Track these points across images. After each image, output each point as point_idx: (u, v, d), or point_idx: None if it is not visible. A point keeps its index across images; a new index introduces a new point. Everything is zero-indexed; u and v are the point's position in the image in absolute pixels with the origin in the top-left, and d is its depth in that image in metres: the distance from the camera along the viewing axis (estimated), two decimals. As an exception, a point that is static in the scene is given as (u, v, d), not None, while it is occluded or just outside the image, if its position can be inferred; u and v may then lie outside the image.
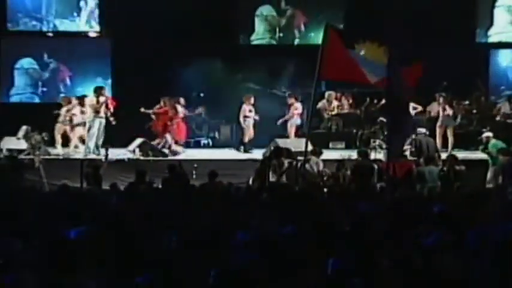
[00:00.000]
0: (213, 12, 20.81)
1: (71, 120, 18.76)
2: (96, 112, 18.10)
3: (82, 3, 22.14)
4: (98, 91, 18.44)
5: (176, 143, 19.07)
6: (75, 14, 22.22)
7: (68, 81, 22.40)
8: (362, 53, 11.83)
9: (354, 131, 19.90)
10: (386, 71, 10.99)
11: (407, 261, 5.93)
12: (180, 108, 19.32)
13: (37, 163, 16.12)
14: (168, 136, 18.86)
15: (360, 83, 14.25)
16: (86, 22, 22.26)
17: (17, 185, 13.82)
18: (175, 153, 18.52)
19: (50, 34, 22.21)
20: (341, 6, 21.58)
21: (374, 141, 18.14)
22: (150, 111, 19.30)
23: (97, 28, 22.23)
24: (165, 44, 20.56)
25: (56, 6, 22.19)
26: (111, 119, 18.37)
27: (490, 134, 16.67)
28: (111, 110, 18.56)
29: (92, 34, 22.22)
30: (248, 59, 20.74)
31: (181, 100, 19.54)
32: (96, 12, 22.17)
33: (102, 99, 18.23)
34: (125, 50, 21.14)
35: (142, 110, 19.36)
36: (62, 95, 21.51)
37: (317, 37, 21.39)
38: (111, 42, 21.89)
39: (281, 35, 22.37)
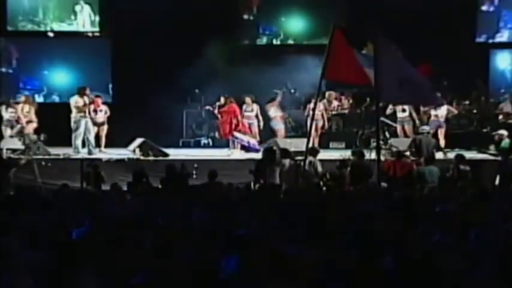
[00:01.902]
0: (213, 11, 20.78)
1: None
2: (81, 112, 18.15)
3: (77, 8, 22.06)
4: (82, 91, 18.47)
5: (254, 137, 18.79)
6: (72, 17, 22.15)
7: (14, 63, 22.32)
8: (368, 52, 11.83)
9: (355, 130, 19.90)
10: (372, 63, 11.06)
11: (409, 260, 5.93)
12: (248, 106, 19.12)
13: (23, 161, 16.15)
14: (238, 135, 18.70)
15: (363, 85, 14.21)
16: (83, 26, 22.19)
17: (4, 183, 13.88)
18: (256, 150, 18.36)
19: (51, 34, 22.17)
20: (341, 7, 21.56)
21: (374, 141, 18.11)
22: (216, 110, 19.11)
23: (96, 30, 22.20)
24: (165, 44, 20.53)
25: (53, 10, 22.12)
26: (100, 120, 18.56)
27: (504, 132, 16.49)
28: (99, 109, 18.71)
29: (91, 34, 22.19)
30: (249, 58, 20.70)
31: (247, 99, 19.31)
32: (93, 16, 22.13)
33: (86, 99, 18.28)
34: (125, 50, 21.11)
35: (207, 107, 19.28)
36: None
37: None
38: (111, 42, 21.85)
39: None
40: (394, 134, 19.17)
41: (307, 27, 22.06)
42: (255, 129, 19.16)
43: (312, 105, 19.40)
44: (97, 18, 22.10)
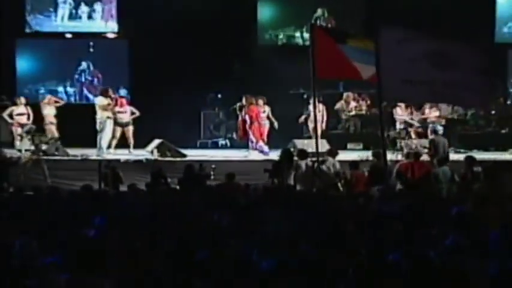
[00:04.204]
0: (231, 11, 20.80)
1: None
2: (106, 112, 18.22)
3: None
4: (105, 92, 18.60)
5: (263, 141, 18.66)
6: (51, 9, 21.99)
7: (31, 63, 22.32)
8: (353, 45, 11.91)
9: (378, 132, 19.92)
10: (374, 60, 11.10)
11: (424, 261, 5.91)
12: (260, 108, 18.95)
13: (24, 160, 16.23)
14: (251, 137, 18.64)
15: (352, 79, 14.20)
16: (62, 20, 22.07)
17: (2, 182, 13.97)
18: (263, 152, 18.38)
19: (69, 35, 22.22)
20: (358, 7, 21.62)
21: (400, 142, 18.13)
22: (241, 108, 18.92)
23: (78, 27, 22.16)
24: (183, 44, 20.55)
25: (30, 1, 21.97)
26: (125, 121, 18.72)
27: None
28: (124, 109, 18.76)
29: (110, 35, 22.22)
30: (267, 59, 20.70)
31: (260, 101, 19.03)
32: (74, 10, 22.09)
33: (109, 99, 18.36)
34: (142, 51, 21.15)
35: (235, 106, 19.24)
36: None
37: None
38: (128, 43, 21.88)
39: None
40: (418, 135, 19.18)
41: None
42: (266, 131, 19.06)
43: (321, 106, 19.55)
44: (81, 12, 22.02)
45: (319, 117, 19.22)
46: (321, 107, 19.35)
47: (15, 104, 19.15)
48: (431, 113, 19.29)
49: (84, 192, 11.46)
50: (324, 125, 19.34)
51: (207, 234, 7.43)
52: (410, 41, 11.25)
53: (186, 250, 6.55)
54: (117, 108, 18.70)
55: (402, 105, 19.72)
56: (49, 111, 19.32)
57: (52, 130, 18.99)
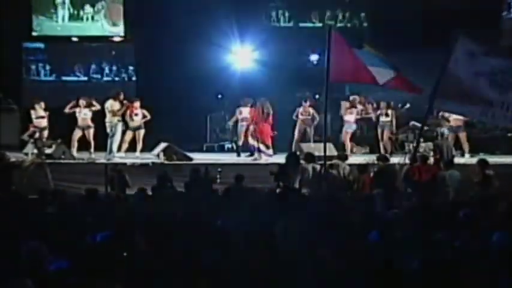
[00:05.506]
0: (235, 12, 20.87)
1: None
2: (116, 116, 18.22)
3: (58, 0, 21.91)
4: (116, 96, 18.54)
5: (265, 145, 18.51)
6: (52, 10, 21.92)
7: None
8: (369, 50, 11.95)
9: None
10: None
11: (431, 264, 5.92)
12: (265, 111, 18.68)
13: (26, 164, 16.25)
14: (251, 141, 18.61)
15: (367, 83, 14.26)
16: (62, 20, 22.07)
17: (5, 187, 13.96)
18: (267, 155, 18.33)
19: (75, 39, 22.26)
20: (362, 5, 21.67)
21: (408, 145, 18.12)
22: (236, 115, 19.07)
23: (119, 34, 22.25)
24: (188, 47, 20.58)
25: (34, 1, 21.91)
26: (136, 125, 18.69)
27: None
28: (135, 113, 18.73)
29: (116, 39, 22.24)
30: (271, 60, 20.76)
31: (258, 103, 18.74)
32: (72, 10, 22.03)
33: (119, 104, 18.33)
34: (148, 55, 21.19)
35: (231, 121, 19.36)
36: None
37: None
38: (134, 46, 21.91)
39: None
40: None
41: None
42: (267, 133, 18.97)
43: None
44: (83, 13, 22.03)
45: (310, 122, 19.28)
46: (311, 110, 19.26)
47: (33, 107, 18.98)
48: (452, 116, 19.18)
49: (90, 195, 11.45)
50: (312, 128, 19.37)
51: (213, 238, 7.43)
52: (482, 55, 11.11)
53: (192, 253, 6.55)
54: (128, 112, 18.69)
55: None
56: (82, 115, 18.88)
57: (78, 134, 18.74)
